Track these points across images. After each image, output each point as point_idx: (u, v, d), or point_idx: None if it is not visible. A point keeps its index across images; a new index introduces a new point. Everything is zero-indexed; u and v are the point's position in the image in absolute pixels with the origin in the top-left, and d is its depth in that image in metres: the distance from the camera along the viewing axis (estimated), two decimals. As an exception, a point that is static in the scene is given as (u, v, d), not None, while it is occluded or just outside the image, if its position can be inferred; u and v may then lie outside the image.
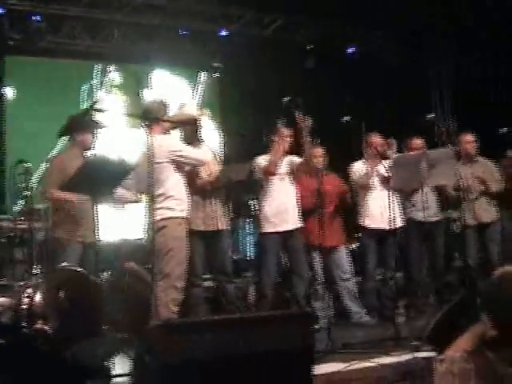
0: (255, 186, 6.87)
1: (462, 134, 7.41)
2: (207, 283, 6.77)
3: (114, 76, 10.05)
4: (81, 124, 5.76)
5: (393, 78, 10.48)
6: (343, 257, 6.99)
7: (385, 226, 6.44)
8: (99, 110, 5.18)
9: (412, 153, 6.06)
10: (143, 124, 5.44)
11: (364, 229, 7.07)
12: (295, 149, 6.48)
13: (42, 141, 8.47)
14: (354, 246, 7.86)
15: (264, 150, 6.72)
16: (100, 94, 9.89)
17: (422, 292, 7.11)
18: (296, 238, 6.66)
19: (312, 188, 6.63)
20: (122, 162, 5.32)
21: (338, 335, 5.74)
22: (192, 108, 6.18)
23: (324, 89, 10.33)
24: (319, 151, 6.97)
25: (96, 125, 6.04)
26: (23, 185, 5.36)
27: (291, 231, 6.62)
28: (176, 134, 5.92)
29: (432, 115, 6.02)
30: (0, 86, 9.20)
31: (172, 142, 5.54)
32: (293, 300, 6.64)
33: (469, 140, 7.27)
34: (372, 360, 4.42)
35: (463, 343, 2.94)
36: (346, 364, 4.31)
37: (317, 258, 6.84)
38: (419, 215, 6.90)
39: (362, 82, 10.76)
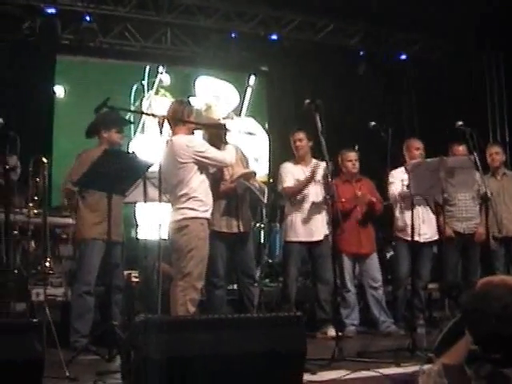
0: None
1: (489, 145, 7.22)
2: (231, 285, 6.74)
3: (164, 78, 10.15)
4: (105, 121, 5.83)
5: (446, 84, 10.31)
6: (374, 265, 6.89)
7: (418, 238, 6.29)
8: (111, 108, 5.20)
9: (428, 159, 5.95)
10: (169, 124, 5.50)
11: (398, 238, 6.92)
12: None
13: (89, 141, 8.60)
14: (388, 254, 7.72)
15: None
16: (149, 95, 10.01)
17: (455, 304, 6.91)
18: (321, 246, 6.60)
19: (344, 194, 6.57)
20: (137, 159, 5.37)
21: (357, 343, 5.64)
22: (217, 111, 6.18)
23: (374, 94, 10.26)
24: (353, 155, 6.91)
25: (122, 121, 6.11)
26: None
27: (316, 241, 6.59)
28: (201, 135, 5.94)
29: (460, 123, 5.83)
30: (51, 84, 9.40)
31: (196, 142, 5.55)
32: (317, 306, 6.57)
33: (493, 152, 7.11)
34: (377, 370, 4.32)
35: (447, 357, 2.88)
36: (348, 372, 4.24)
37: (347, 265, 6.78)
38: (459, 226, 6.85)
39: (414, 88, 10.67)
